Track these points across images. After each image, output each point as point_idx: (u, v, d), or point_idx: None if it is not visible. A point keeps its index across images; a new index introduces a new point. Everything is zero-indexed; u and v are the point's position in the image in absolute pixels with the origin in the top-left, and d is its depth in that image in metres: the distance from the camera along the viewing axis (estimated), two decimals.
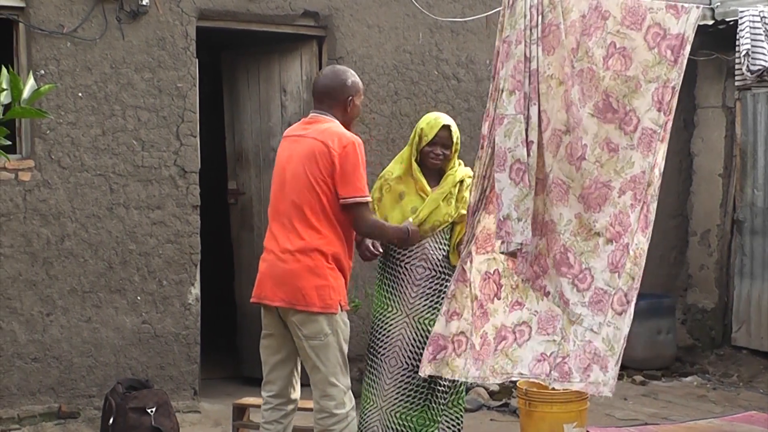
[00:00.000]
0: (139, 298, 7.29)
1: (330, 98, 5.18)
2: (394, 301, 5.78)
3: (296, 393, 5.30)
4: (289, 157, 5.14)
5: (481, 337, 5.26)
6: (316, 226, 5.00)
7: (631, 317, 4.92)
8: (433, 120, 5.74)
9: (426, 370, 5.38)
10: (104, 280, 7.19)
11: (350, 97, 5.21)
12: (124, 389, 6.36)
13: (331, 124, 5.12)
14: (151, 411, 6.25)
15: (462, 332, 5.28)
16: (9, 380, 6.95)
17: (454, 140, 5.71)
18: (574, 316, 4.82)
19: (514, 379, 5.33)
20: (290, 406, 5.28)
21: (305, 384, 5.25)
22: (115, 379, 6.89)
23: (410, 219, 5.59)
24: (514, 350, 5.22)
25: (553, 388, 5.47)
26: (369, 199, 5.12)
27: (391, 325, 5.78)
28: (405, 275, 5.76)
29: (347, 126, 5.22)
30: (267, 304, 5.13)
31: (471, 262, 5.31)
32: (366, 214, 5.11)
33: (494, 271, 5.31)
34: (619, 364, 4.97)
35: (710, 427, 7.18)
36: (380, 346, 5.80)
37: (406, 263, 5.76)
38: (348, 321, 5.17)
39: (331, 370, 5.05)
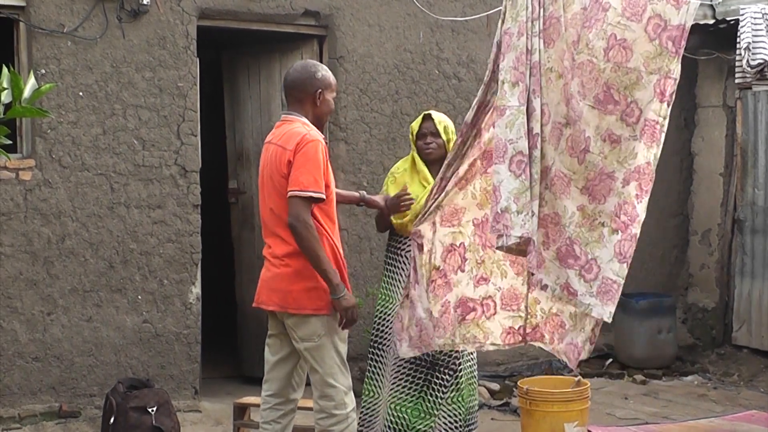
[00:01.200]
0: (139, 297, 7.29)
1: (299, 91, 5.12)
2: (394, 292, 5.92)
3: (296, 394, 5.29)
4: (263, 166, 5.15)
5: (442, 306, 5.45)
6: None
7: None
8: (419, 116, 6.07)
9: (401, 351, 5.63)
10: (105, 280, 7.19)
11: (319, 90, 5.12)
12: (125, 388, 6.36)
13: (295, 125, 5.06)
14: (152, 410, 6.25)
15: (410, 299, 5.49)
16: (10, 379, 6.95)
17: (440, 128, 5.92)
18: (582, 306, 4.84)
19: (486, 348, 5.63)
20: (288, 406, 5.27)
21: (309, 383, 5.25)
22: (115, 379, 6.89)
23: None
24: (484, 322, 5.53)
25: (573, 368, 5.74)
26: (311, 194, 4.87)
27: (391, 316, 5.88)
28: (404, 264, 5.89)
29: (319, 122, 5.18)
30: (265, 309, 5.16)
31: (434, 233, 5.43)
32: (299, 209, 4.86)
33: (459, 244, 5.53)
34: (591, 339, 5.14)
35: (711, 427, 7.18)
36: (383, 338, 5.94)
37: (406, 251, 5.88)
38: None
39: (328, 370, 5.04)
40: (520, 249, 5.03)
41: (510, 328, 5.51)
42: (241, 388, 7.88)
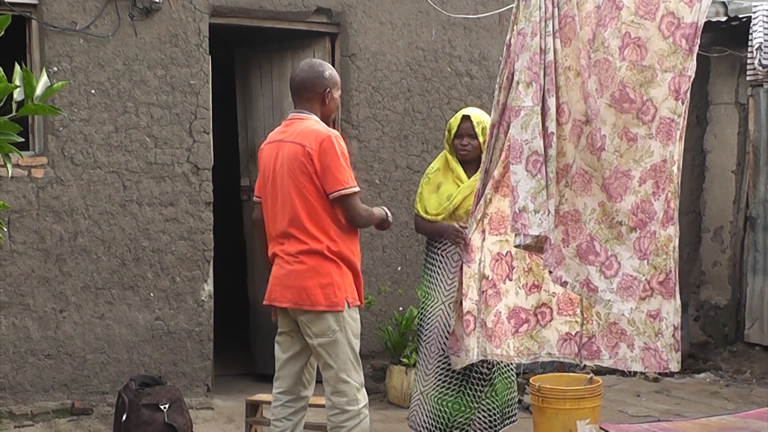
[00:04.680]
0: (152, 294, 7.30)
1: (307, 91, 5.15)
2: (433, 290, 6.02)
3: (307, 391, 5.30)
4: (273, 165, 5.12)
5: (494, 315, 5.43)
6: (312, 230, 4.99)
7: (673, 306, 5.06)
8: (459, 114, 6.06)
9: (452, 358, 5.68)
10: (117, 277, 7.20)
11: (328, 89, 5.16)
12: (137, 386, 6.37)
13: (307, 122, 5.08)
14: (164, 407, 6.26)
15: (468, 312, 5.41)
16: (22, 377, 6.97)
17: (478, 130, 5.92)
18: (602, 302, 4.85)
19: (541, 359, 5.62)
20: (300, 404, 5.28)
21: (320, 380, 5.26)
22: (128, 376, 6.91)
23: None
24: (539, 332, 5.53)
25: (585, 366, 5.66)
26: (355, 189, 5.03)
27: (431, 313, 6.02)
28: (442, 263, 6.00)
29: (326, 120, 5.21)
30: (277, 306, 5.15)
31: (483, 241, 5.43)
32: (356, 204, 5.05)
33: (506, 253, 5.50)
34: (675, 347, 5.10)
35: (723, 424, 7.16)
36: (424, 334, 6.06)
37: (443, 251, 6.00)
38: (358, 317, 5.17)
39: (342, 366, 5.05)
40: (539, 246, 5.05)
41: (567, 334, 5.48)
42: (253, 386, 7.90)
